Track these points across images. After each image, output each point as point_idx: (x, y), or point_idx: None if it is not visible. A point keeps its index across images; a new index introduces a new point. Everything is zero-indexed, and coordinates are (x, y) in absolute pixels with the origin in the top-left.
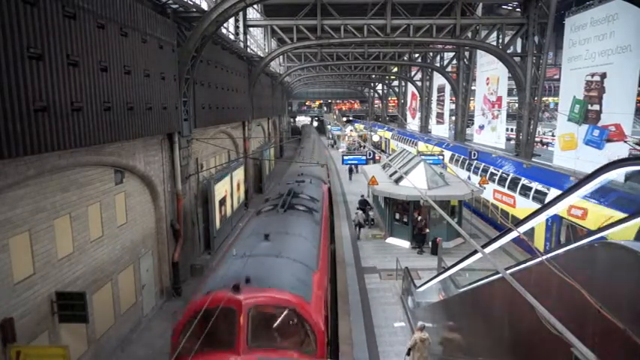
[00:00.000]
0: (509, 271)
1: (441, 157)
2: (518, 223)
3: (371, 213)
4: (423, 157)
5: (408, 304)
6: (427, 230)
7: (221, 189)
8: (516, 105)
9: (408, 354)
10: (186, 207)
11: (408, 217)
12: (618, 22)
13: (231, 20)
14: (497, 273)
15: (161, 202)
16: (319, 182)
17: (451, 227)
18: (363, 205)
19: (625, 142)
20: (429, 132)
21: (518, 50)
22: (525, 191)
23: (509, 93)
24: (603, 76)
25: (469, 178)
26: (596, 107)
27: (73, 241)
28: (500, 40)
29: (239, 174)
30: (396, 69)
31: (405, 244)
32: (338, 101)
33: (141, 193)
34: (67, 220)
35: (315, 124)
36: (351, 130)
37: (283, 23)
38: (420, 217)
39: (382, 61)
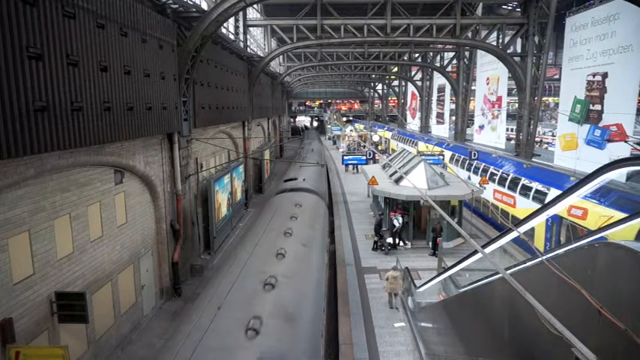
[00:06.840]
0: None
1: (441, 157)
2: (518, 223)
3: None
4: (423, 157)
5: (408, 304)
6: (440, 239)
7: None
8: (516, 105)
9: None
10: (186, 207)
11: (409, 217)
12: (619, 22)
13: (231, 20)
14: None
15: (161, 202)
16: None
17: (451, 227)
18: (380, 227)
19: (626, 142)
20: (429, 132)
21: (518, 50)
22: (525, 191)
23: (509, 93)
24: (605, 75)
25: (469, 178)
26: (598, 107)
27: (73, 241)
28: (500, 40)
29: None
30: (396, 69)
31: (406, 244)
32: (338, 101)
33: (141, 193)
34: (66, 220)
35: (315, 124)
36: (351, 130)
37: (283, 23)
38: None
39: (382, 61)
